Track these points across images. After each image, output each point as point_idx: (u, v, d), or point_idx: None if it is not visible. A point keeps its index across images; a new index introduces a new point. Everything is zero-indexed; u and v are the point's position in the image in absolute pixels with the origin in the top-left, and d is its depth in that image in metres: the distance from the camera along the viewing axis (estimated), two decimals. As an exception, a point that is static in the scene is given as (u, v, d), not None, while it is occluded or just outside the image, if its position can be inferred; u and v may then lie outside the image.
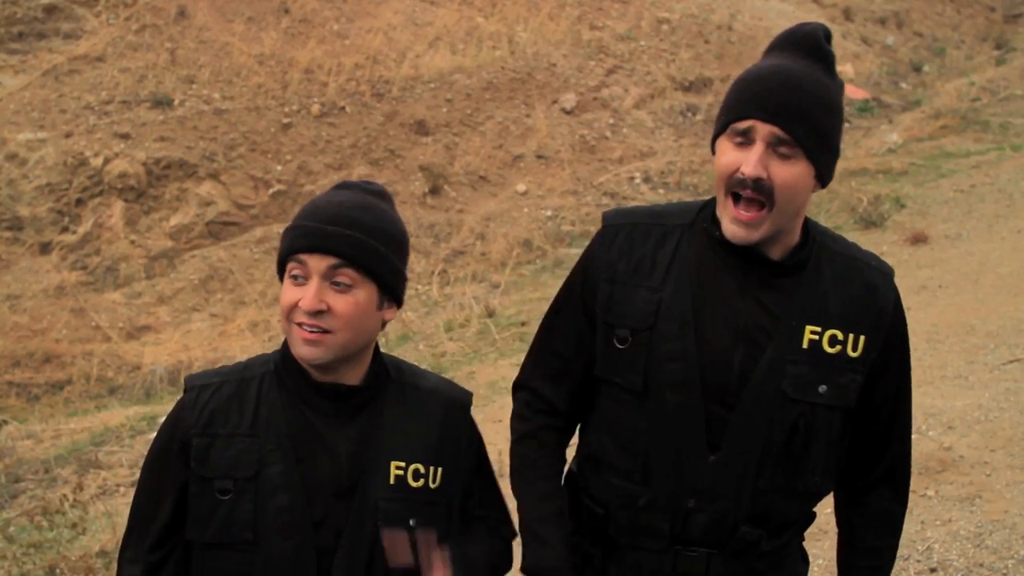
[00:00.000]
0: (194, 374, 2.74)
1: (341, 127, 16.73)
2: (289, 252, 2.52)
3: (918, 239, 11.98)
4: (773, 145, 2.50)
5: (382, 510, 2.56)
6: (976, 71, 21.00)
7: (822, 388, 2.62)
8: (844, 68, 20.42)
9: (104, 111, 16.30)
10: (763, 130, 2.50)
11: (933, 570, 5.68)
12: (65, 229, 15.13)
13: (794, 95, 2.50)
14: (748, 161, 2.50)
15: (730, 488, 2.64)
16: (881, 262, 2.78)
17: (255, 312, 13.33)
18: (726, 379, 2.62)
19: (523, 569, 2.82)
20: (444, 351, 10.36)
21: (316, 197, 2.63)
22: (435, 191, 16.01)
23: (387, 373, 2.68)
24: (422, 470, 2.62)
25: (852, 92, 19.75)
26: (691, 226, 2.72)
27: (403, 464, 2.60)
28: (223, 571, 2.58)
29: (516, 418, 2.92)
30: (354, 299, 2.49)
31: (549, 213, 15.73)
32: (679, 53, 19.42)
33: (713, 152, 2.66)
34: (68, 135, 15.90)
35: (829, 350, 2.63)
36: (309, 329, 2.47)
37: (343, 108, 17.00)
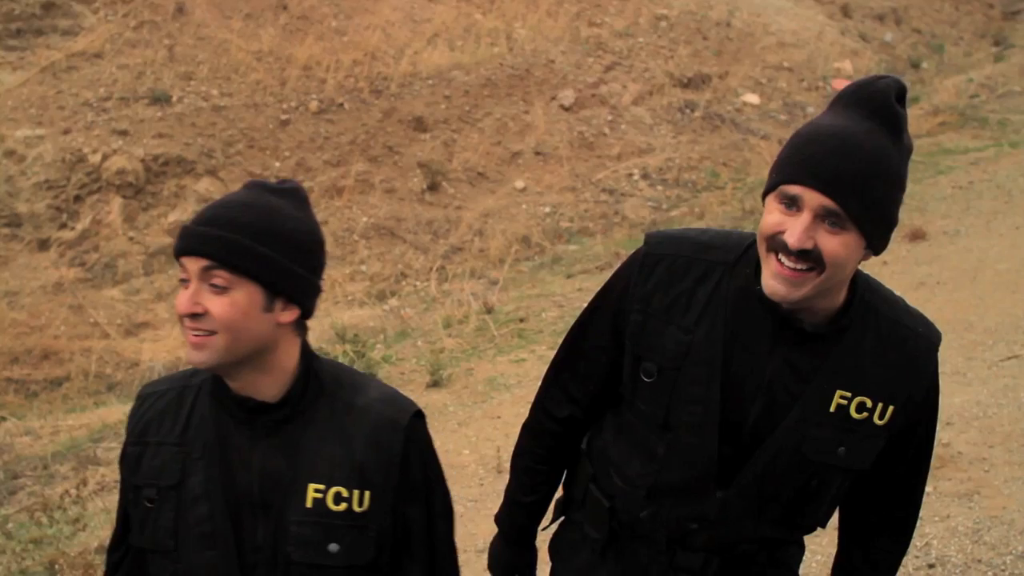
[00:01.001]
0: (149, 382, 2.72)
1: (339, 124, 16.73)
2: (174, 255, 2.46)
3: (916, 236, 11.97)
4: (821, 216, 2.36)
5: (294, 534, 2.47)
6: (974, 68, 21.02)
7: (841, 450, 2.57)
8: (842, 65, 20.45)
9: (102, 108, 16.30)
10: (812, 200, 2.35)
11: (931, 566, 5.68)
12: (63, 226, 15.13)
13: (850, 164, 2.34)
14: (793, 232, 2.35)
15: (732, 522, 2.64)
16: (929, 328, 2.66)
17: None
18: (739, 429, 2.58)
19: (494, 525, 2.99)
20: (443, 347, 10.35)
21: (230, 193, 2.56)
22: (433, 188, 16.01)
23: (320, 387, 2.55)
24: (344, 493, 2.49)
25: (850, 89, 19.76)
26: (734, 265, 2.60)
27: (322, 487, 2.48)
28: None
29: (532, 413, 2.96)
30: (230, 300, 2.38)
31: (547, 209, 15.73)
32: (677, 50, 19.42)
33: (763, 202, 2.52)
34: (66, 132, 15.90)
35: (856, 416, 2.55)
36: (193, 333, 2.40)
37: (341, 105, 17.00)
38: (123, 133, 15.86)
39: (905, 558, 5.67)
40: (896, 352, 2.57)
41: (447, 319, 11.38)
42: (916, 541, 5.89)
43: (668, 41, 19.65)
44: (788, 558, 2.83)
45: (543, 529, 3.07)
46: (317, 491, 2.48)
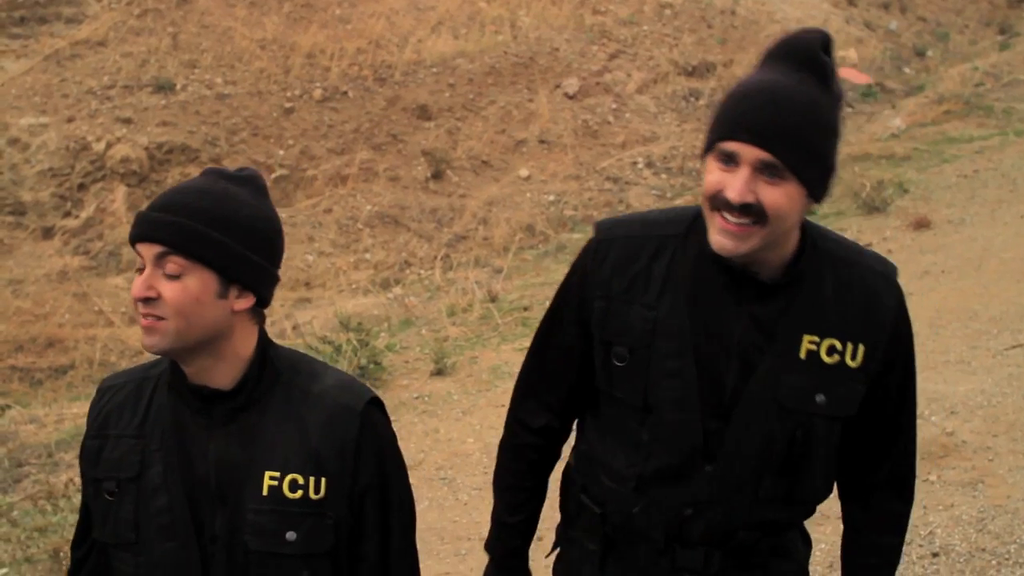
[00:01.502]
0: (109, 375, 2.71)
1: (343, 112, 16.72)
2: (130, 241, 2.44)
3: (921, 224, 11.96)
4: (759, 169, 2.38)
5: (250, 522, 2.45)
6: (980, 56, 20.97)
7: (819, 398, 2.57)
8: (847, 53, 20.39)
9: (106, 96, 16.30)
10: (749, 154, 2.38)
11: (935, 555, 5.68)
12: (67, 214, 15.14)
13: (782, 115, 2.38)
14: (733, 186, 2.39)
15: (727, 498, 2.62)
16: (885, 264, 2.69)
17: (257, 297, 13.31)
18: (720, 396, 2.58)
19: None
20: (447, 336, 10.36)
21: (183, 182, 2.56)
22: (437, 176, 16.01)
23: (276, 375, 2.53)
24: (300, 480, 2.47)
25: (855, 77, 19.71)
26: (686, 237, 2.63)
27: (277, 474, 2.46)
28: (121, 571, 2.55)
29: (507, 429, 2.92)
30: (183, 286, 2.37)
31: (552, 198, 15.72)
32: (682, 38, 19.39)
33: (703, 162, 2.55)
34: (70, 120, 15.90)
35: (827, 360, 2.56)
36: (144, 317, 2.39)
37: (345, 93, 16.99)
38: (127, 121, 15.86)
39: (909, 547, 5.68)
40: (856, 291, 2.59)
41: (451, 307, 11.38)
42: (920, 530, 5.89)
43: (672, 29, 19.61)
44: (793, 551, 2.80)
45: (546, 557, 3.03)
46: (272, 478, 2.46)
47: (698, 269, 2.59)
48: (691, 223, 2.64)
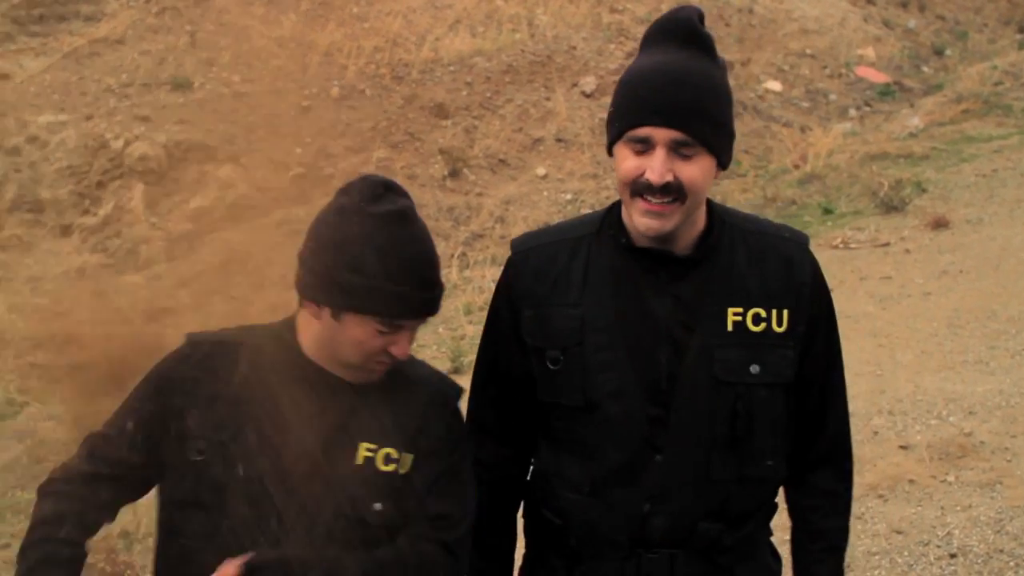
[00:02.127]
0: (195, 332, 2.82)
1: (361, 110, 16.73)
2: (391, 316, 2.53)
3: (939, 224, 11.92)
4: (673, 148, 2.48)
5: (342, 490, 2.56)
6: (999, 55, 20.87)
7: (754, 368, 2.61)
8: (865, 52, 20.34)
9: (124, 94, 16.34)
10: (662, 136, 2.47)
11: (953, 556, 5.67)
12: (86, 211, 15.17)
13: (686, 94, 2.48)
14: (653, 168, 2.48)
15: (681, 485, 2.62)
16: (795, 232, 2.76)
17: (275, 295, 13.33)
18: (656, 381, 2.61)
19: None
20: (463, 334, 10.36)
21: (381, 234, 2.53)
22: (454, 174, 16.00)
23: None
24: (394, 455, 2.60)
25: (873, 76, 19.65)
26: (598, 234, 2.70)
27: (374, 447, 2.58)
28: (192, 532, 2.59)
29: (476, 464, 2.88)
30: (412, 338, 2.61)
31: (569, 196, 15.71)
32: (700, 36, 19.33)
33: (610, 154, 2.63)
34: (89, 118, 15.94)
35: (754, 328, 2.61)
36: (391, 364, 2.58)
37: (363, 91, 17.00)
38: (145, 119, 15.89)
39: (927, 548, 5.67)
40: (770, 258, 2.65)
41: (468, 306, 11.39)
42: (938, 531, 5.88)
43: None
44: (762, 562, 2.80)
45: None
46: (369, 450, 2.58)
47: (615, 261, 2.66)
48: (602, 221, 2.73)
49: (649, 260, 2.62)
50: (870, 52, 20.44)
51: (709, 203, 2.66)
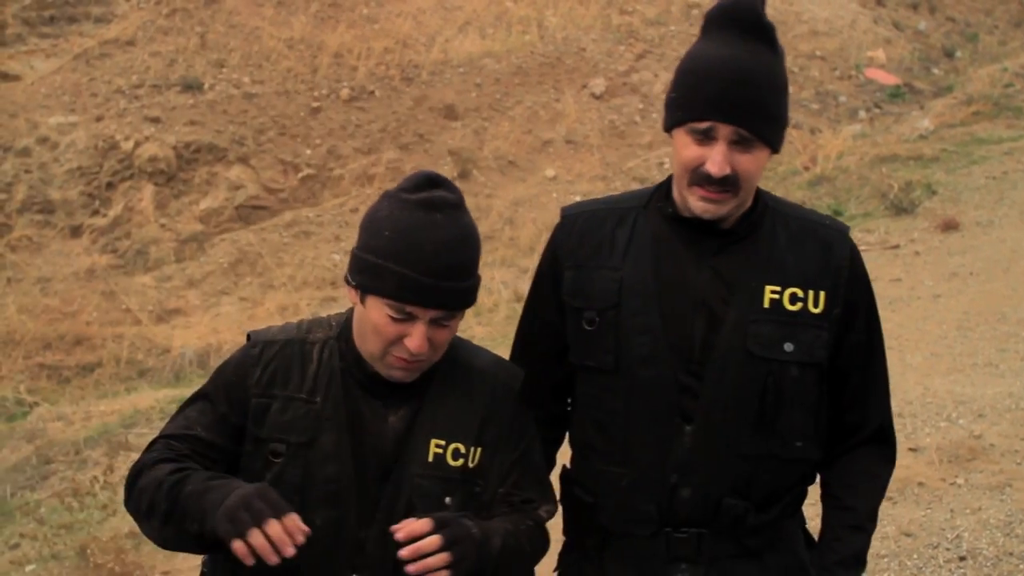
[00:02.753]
0: (259, 331, 2.74)
1: (370, 111, 16.75)
2: (396, 299, 2.49)
3: (949, 226, 11.90)
4: (734, 142, 2.54)
5: (416, 486, 2.57)
6: (1009, 57, 20.83)
7: (788, 346, 2.63)
8: (875, 54, 20.32)
9: (134, 95, 16.38)
10: (724, 130, 2.53)
11: (962, 558, 5.66)
12: (96, 212, 15.21)
13: (751, 93, 2.54)
14: (714, 160, 2.53)
15: (709, 458, 2.65)
16: (835, 221, 2.81)
17: (284, 296, 13.37)
18: (690, 350, 2.64)
19: None
20: (472, 335, 10.36)
21: (403, 217, 2.53)
22: (464, 176, 16.01)
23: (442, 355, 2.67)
24: (463, 450, 2.62)
25: (883, 78, 19.63)
26: (646, 207, 2.76)
27: (443, 442, 2.60)
28: None
29: None
30: (450, 331, 2.58)
31: (578, 198, 15.62)
32: (709, 38, 19.32)
33: (667, 131, 2.68)
34: (99, 119, 15.98)
35: (790, 307, 2.65)
36: (409, 360, 2.54)
37: (372, 92, 17.02)
38: (155, 120, 15.93)
39: (936, 550, 5.66)
40: (810, 242, 2.71)
41: (477, 307, 11.37)
42: (947, 533, 5.86)
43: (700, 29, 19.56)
44: (793, 547, 2.80)
45: (554, 571, 3.02)
46: (438, 446, 2.60)
47: (659, 230, 2.71)
48: (651, 196, 2.79)
49: (692, 231, 2.67)
50: (880, 54, 20.42)
51: (757, 188, 2.73)
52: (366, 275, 2.51)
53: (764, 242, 2.68)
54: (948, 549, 5.74)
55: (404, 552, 2.40)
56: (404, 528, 2.43)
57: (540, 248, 11.43)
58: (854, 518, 2.81)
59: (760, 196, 2.73)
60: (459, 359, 2.71)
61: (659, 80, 18.17)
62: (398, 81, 17.29)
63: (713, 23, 2.63)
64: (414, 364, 2.55)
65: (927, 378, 7.97)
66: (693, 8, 20.03)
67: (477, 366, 2.73)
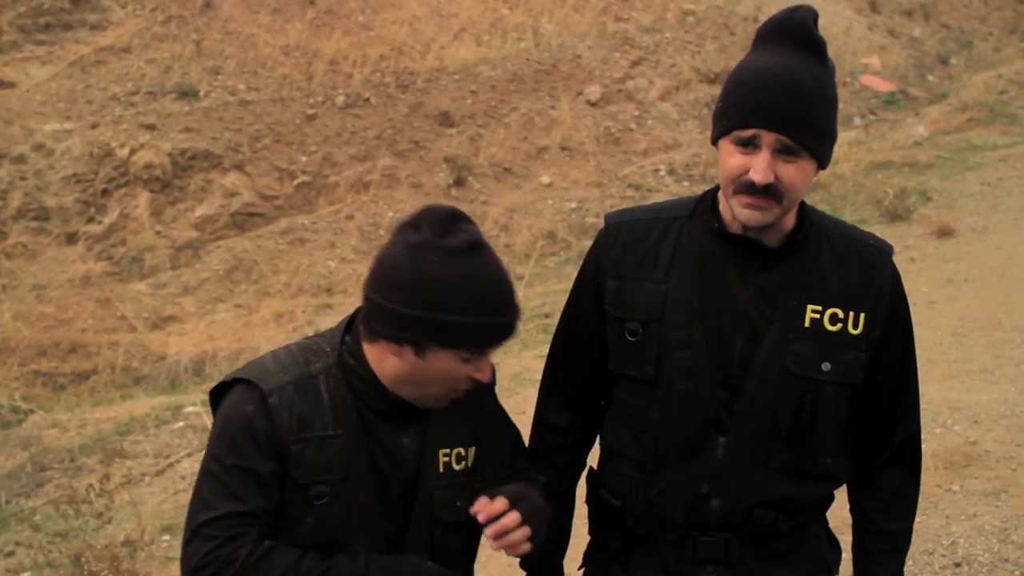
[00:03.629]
0: (253, 370, 2.66)
1: (366, 118, 16.75)
2: (480, 346, 2.57)
3: (944, 232, 11.91)
4: (779, 150, 2.54)
5: (437, 498, 2.67)
6: (1004, 63, 20.88)
7: (825, 366, 2.66)
8: (870, 60, 20.34)
9: (130, 102, 16.37)
10: (769, 138, 2.53)
11: (958, 565, 5.66)
12: (91, 219, 15.20)
13: (797, 102, 2.53)
14: (757, 168, 2.54)
15: (740, 471, 2.67)
16: (879, 240, 2.82)
17: (279, 303, 13.36)
18: (729, 364, 2.67)
19: None
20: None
21: (463, 268, 2.54)
22: (459, 183, 16.01)
23: None
24: (463, 452, 2.71)
25: (878, 84, 19.65)
26: (691, 218, 2.77)
27: (448, 450, 2.69)
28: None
29: (532, 436, 3.02)
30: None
31: (573, 205, 15.71)
32: (704, 45, 19.36)
33: (714, 144, 2.69)
34: (94, 126, 15.97)
35: (830, 328, 2.67)
36: (473, 389, 2.65)
37: (368, 99, 17.02)
38: (150, 127, 15.92)
39: (931, 556, 5.66)
40: (853, 262, 2.73)
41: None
42: (943, 540, 5.86)
43: (695, 36, 19.58)
44: (818, 550, 2.84)
45: (579, 569, 3.06)
46: (445, 455, 2.70)
47: (704, 244, 2.73)
48: (695, 205, 2.80)
49: (738, 247, 2.68)
50: (875, 61, 20.45)
51: (801, 203, 2.73)
52: (439, 332, 2.52)
53: (808, 261, 2.70)
54: (944, 555, 5.74)
55: (490, 531, 2.54)
56: (484, 510, 2.56)
57: (536, 255, 11.41)
58: (891, 541, 2.89)
59: (806, 214, 2.75)
60: None
61: (654, 87, 18.19)
62: (393, 88, 17.29)
63: (764, 37, 2.66)
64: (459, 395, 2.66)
65: (922, 384, 7.93)
66: (688, 15, 20.06)
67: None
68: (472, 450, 2.73)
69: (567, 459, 2.99)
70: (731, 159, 2.59)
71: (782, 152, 2.54)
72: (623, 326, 2.75)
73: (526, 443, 3.00)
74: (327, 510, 2.57)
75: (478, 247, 2.56)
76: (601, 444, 2.94)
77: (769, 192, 2.54)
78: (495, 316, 2.54)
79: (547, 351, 3.02)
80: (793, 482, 2.70)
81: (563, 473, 2.99)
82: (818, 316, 2.66)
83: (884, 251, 2.78)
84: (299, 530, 2.57)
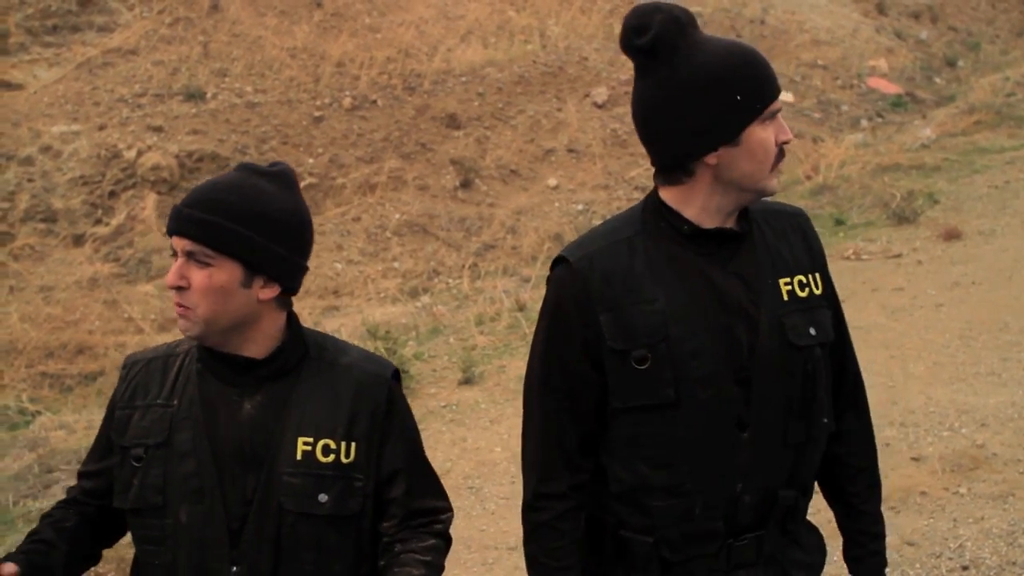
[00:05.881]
0: (134, 352, 2.88)
1: (373, 120, 16.76)
2: (167, 233, 2.63)
3: (951, 235, 11.89)
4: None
5: (285, 484, 2.61)
6: (1011, 66, 20.84)
7: (812, 331, 2.71)
8: (877, 63, 20.34)
9: (137, 104, 16.39)
10: (778, 105, 2.64)
11: (965, 568, 5.65)
12: (98, 221, 15.22)
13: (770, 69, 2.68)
14: (785, 128, 2.64)
15: (764, 457, 2.67)
16: (794, 207, 2.93)
17: (286, 305, 13.35)
18: (740, 358, 2.65)
19: None
20: (474, 344, 10.35)
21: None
22: (466, 185, 16.02)
23: (305, 351, 2.72)
24: (332, 445, 2.64)
25: (885, 87, 19.64)
26: (642, 231, 2.71)
27: (311, 439, 2.64)
28: (145, 537, 2.69)
29: (528, 509, 2.80)
30: (208, 274, 2.55)
31: (580, 207, 15.71)
32: (711, 47, 19.33)
33: (732, 141, 2.60)
34: (102, 128, 16.00)
35: (802, 295, 2.72)
36: (178, 304, 2.59)
37: (375, 101, 17.04)
38: (158, 129, 15.94)
39: (939, 559, 5.65)
40: (789, 231, 2.80)
41: (479, 316, 11.38)
42: (950, 543, 5.86)
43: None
44: (805, 518, 2.88)
45: None
46: (306, 443, 2.63)
47: (673, 251, 2.69)
48: (641, 219, 2.74)
49: (709, 241, 2.68)
50: (882, 63, 20.44)
51: None
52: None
53: (760, 240, 2.74)
54: (951, 559, 5.73)
55: None
56: None
57: (542, 257, 11.38)
58: (868, 477, 2.95)
59: None
60: (325, 359, 2.74)
61: (661, 89, 18.17)
62: (400, 90, 17.31)
63: (688, 33, 2.70)
64: (181, 310, 2.61)
65: (929, 387, 7.97)
66: (695, 17, 20.05)
67: (343, 362, 2.74)
68: (351, 445, 2.65)
69: (571, 526, 2.77)
70: (767, 136, 2.61)
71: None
72: (628, 357, 2.64)
73: (518, 519, 2.82)
74: (146, 474, 2.65)
75: (240, 167, 2.74)
76: (612, 489, 2.76)
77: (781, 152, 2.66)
78: (180, 202, 2.65)
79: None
80: (805, 452, 2.73)
81: (570, 542, 2.77)
82: (790, 287, 2.71)
83: (803, 214, 2.89)
84: (125, 493, 2.69)
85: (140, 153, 15.59)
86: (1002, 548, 5.77)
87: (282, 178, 2.70)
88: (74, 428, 10.11)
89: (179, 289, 2.56)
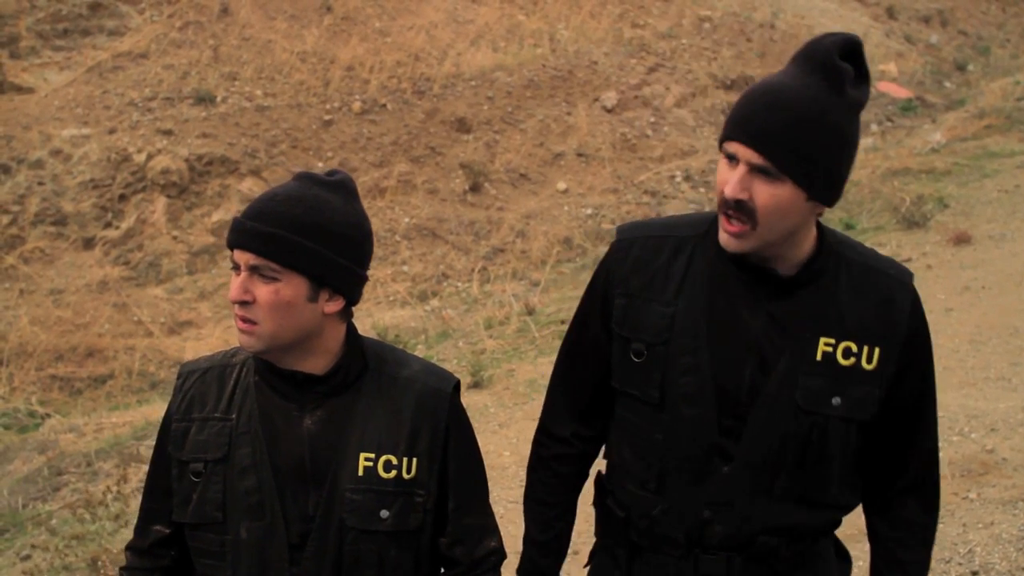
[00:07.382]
0: (189, 361, 2.84)
1: (382, 124, 16.78)
2: (228, 246, 2.58)
3: (961, 240, 11.86)
4: (755, 170, 2.44)
5: (348, 500, 2.59)
6: (1021, 70, 20.82)
7: (836, 400, 2.58)
8: (887, 67, 20.31)
9: (147, 107, 16.42)
10: (744, 153, 2.44)
11: (975, 573, 5.64)
12: (108, 224, 15.25)
13: (776, 118, 2.43)
14: (730, 184, 2.45)
15: (744, 499, 2.62)
16: (900, 269, 2.70)
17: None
18: (737, 392, 2.60)
19: None
20: (484, 348, 10.36)
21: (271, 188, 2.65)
22: (476, 188, 16.03)
23: (365, 365, 2.68)
24: (394, 461, 2.62)
25: (895, 91, 19.62)
26: (704, 237, 2.68)
27: (372, 455, 2.61)
28: (205, 552, 2.66)
29: (535, 441, 2.96)
30: (276, 290, 2.51)
31: (589, 211, 15.71)
32: (721, 51, 19.36)
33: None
34: (112, 131, 16.03)
35: (843, 362, 2.58)
36: (241, 319, 2.54)
37: (384, 105, 17.05)
38: (168, 133, 15.97)
39: (948, 565, 5.64)
40: (871, 293, 2.62)
41: (488, 320, 11.38)
42: (959, 548, 5.84)
43: (711, 43, 19.59)
44: (823, 564, 2.79)
45: (584, 567, 3.03)
46: (368, 459, 2.61)
47: (716, 268, 2.64)
48: (711, 224, 2.68)
49: (750, 273, 2.60)
50: (892, 67, 20.42)
51: (820, 227, 2.63)
52: None
53: (824, 291, 2.60)
54: (960, 564, 5.73)
55: None
56: None
57: (551, 261, 11.40)
58: (908, 572, 2.80)
59: (825, 241, 2.64)
60: (385, 372, 2.70)
61: (671, 93, 18.19)
62: (410, 94, 17.32)
63: (794, 57, 2.54)
64: (245, 325, 2.57)
65: (939, 392, 7.90)
66: (705, 22, 20.07)
67: (404, 376, 2.71)
68: (412, 461, 2.63)
69: (569, 470, 2.93)
70: (720, 174, 2.51)
71: (760, 172, 2.43)
72: (628, 345, 2.69)
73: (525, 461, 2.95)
74: (206, 489, 2.63)
75: (298, 177, 2.67)
76: (606, 456, 2.90)
77: (741, 210, 2.44)
78: (240, 214, 2.58)
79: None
80: (798, 510, 2.65)
81: (564, 483, 2.94)
82: (831, 349, 2.58)
83: (904, 282, 2.67)
84: (184, 507, 2.67)
85: (150, 156, 15.62)
86: (1012, 553, 5.77)
87: (343, 188, 2.66)
88: (83, 431, 10.14)
89: (243, 304, 2.52)
